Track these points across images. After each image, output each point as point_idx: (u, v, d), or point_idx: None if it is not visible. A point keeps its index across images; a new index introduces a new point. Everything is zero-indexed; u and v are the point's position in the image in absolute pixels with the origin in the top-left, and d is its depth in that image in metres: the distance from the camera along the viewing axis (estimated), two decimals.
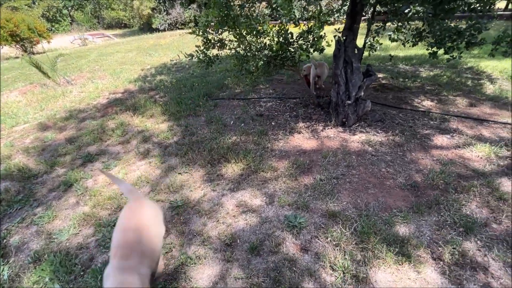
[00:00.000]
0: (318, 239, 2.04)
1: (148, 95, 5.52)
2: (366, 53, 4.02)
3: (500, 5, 15.27)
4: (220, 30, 2.67)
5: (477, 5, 2.64)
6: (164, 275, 1.88)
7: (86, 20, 22.00)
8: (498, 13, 12.35)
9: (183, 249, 2.05)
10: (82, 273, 1.94)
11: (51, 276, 1.92)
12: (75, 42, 16.67)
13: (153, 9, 19.99)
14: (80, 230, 2.35)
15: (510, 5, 14.40)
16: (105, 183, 2.95)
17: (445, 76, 5.31)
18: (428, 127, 3.47)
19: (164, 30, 18.63)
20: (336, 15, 3.36)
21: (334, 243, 1.98)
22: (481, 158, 2.82)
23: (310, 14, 2.80)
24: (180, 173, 2.97)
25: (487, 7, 2.64)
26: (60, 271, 1.94)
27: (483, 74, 5.37)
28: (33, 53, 12.95)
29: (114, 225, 2.31)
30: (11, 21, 11.99)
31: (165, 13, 18.74)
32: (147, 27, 20.42)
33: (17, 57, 12.32)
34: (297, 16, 2.63)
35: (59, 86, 6.64)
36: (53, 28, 24.25)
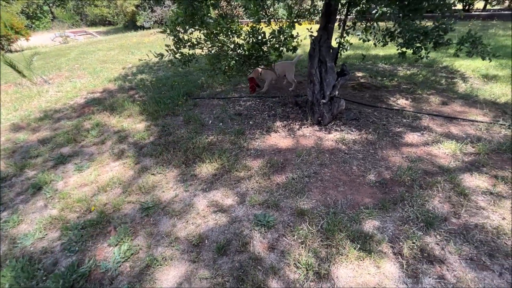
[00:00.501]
0: (285, 238, 2.07)
1: (127, 94, 5.42)
2: (345, 53, 4.07)
3: (479, 5, 15.78)
4: (189, 29, 2.64)
5: (441, 5, 2.71)
6: (129, 277, 1.86)
7: (68, 17, 21.34)
8: (476, 13, 12.77)
9: (150, 251, 2.04)
10: (44, 278, 1.90)
11: (11, 282, 1.87)
12: (56, 40, 16.15)
13: (137, 6, 19.59)
14: (46, 234, 2.29)
15: (488, 5, 14.90)
16: (76, 185, 2.89)
17: (421, 75, 5.46)
18: (401, 125, 3.56)
19: (149, 28, 18.30)
20: (310, 13, 3.38)
21: (300, 241, 2.02)
22: (447, 154, 2.92)
23: (287, 13, 2.81)
24: (153, 174, 2.94)
25: (446, 8, 2.71)
26: (22, 277, 1.89)
27: (457, 73, 5.55)
28: (11, 51, 12.49)
29: (81, 228, 2.29)
30: None
31: (149, 10, 18.40)
32: (131, 25, 20.00)
33: None
34: (268, 15, 2.64)
35: (35, 85, 6.43)
36: (33, 25, 23.40)
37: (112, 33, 19.51)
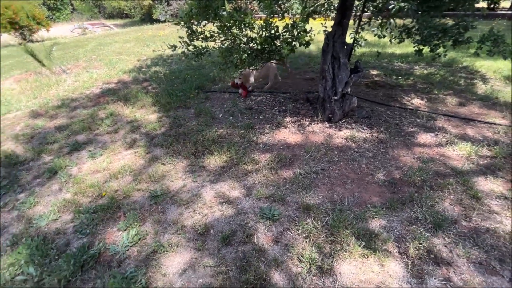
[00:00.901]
0: (290, 231, 2.08)
1: (141, 86, 5.52)
2: (359, 49, 4.00)
3: (505, 4, 15.06)
4: (202, 21, 2.66)
5: (462, 2, 2.61)
6: (136, 261, 1.93)
7: (87, 9, 21.82)
8: (502, 12, 12.19)
9: (157, 237, 2.09)
10: (56, 257, 1.99)
11: (26, 259, 1.97)
12: (75, 31, 16.57)
13: None
14: (59, 216, 2.39)
15: None
16: (89, 171, 2.99)
17: (438, 75, 5.28)
18: (414, 125, 3.48)
19: (164, 21, 18.46)
20: (326, 9, 3.33)
21: (305, 235, 2.02)
22: (461, 157, 2.84)
23: (305, 9, 2.77)
24: (163, 164, 3.00)
25: (469, 5, 2.61)
26: (36, 255, 1.99)
27: (477, 73, 5.34)
28: (32, 41, 12.91)
29: (93, 212, 2.37)
30: (9, 8, 11.92)
31: (166, 3, 18.54)
32: (147, 18, 20.22)
33: (16, 45, 12.28)
34: (283, 10, 2.62)
35: (54, 75, 6.64)
36: (53, 17, 24.05)
37: (129, 25, 19.83)
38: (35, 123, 4.22)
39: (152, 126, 3.80)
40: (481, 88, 4.63)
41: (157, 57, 7.99)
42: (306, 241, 1.97)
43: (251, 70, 4.33)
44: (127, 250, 2.01)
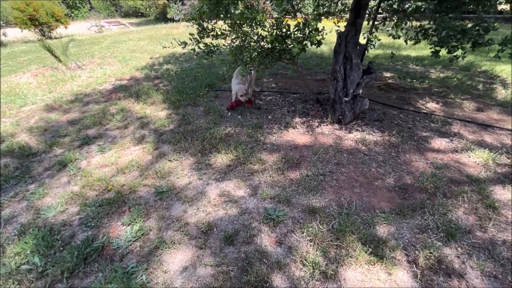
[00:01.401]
0: (294, 234, 2.03)
1: (152, 83, 5.58)
2: (371, 51, 3.90)
3: None
4: (213, 18, 2.65)
5: (483, 3, 2.49)
6: (138, 257, 1.92)
7: (104, 8, 22.35)
8: None
9: (160, 233, 2.09)
10: (61, 249, 2.01)
11: (32, 249, 2.00)
12: (92, 29, 17.00)
13: None
14: (66, 208, 2.42)
15: None
16: (97, 165, 3.03)
17: (455, 79, 5.10)
18: (428, 130, 3.36)
19: (178, 20, 18.69)
20: (341, 10, 3.25)
21: (309, 238, 1.96)
22: (478, 164, 2.71)
23: (321, 10, 2.71)
24: (170, 160, 3.00)
25: (491, 6, 2.48)
26: (42, 245, 2.01)
27: (497, 78, 5.13)
28: (51, 38, 13.32)
29: (99, 205, 2.39)
30: (30, 5, 12.33)
31: (180, 3, 18.79)
32: (162, 17, 20.54)
33: (35, 41, 12.69)
34: (295, 9, 2.57)
35: (70, 70, 6.81)
36: (72, 15, 24.78)
37: (144, 24, 20.19)
38: (49, 116, 4.32)
39: (161, 122, 3.82)
40: (500, 93, 4.44)
41: (169, 55, 8.08)
42: (311, 245, 1.92)
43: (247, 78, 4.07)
44: (130, 245, 2.01)
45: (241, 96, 3.93)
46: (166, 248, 1.96)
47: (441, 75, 5.43)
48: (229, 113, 4.01)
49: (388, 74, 5.56)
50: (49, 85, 5.80)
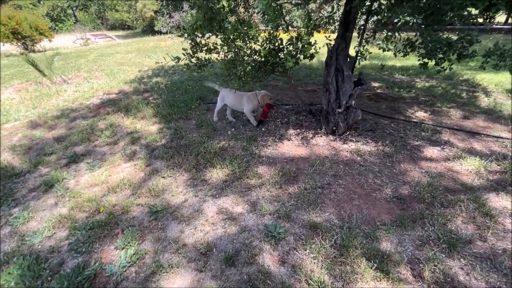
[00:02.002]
0: (296, 251, 1.97)
1: (142, 96, 5.49)
2: (361, 62, 4.00)
3: (500, 18, 15.37)
4: (206, 34, 2.64)
5: (470, 17, 2.61)
6: (134, 283, 1.81)
7: (90, 20, 22.15)
8: (498, 27, 12.42)
9: (156, 257, 1.98)
10: (49, 279, 1.87)
11: (17, 280, 1.85)
12: (77, 42, 16.76)
13: (156, 11, 20.15)
14: (54, 233, 2.28)
15: (510, 19, 14.49)
16: (87, 184, 2.89)
17: (440, 88, 5.29)
18: (419, 138, 3.42)
19: (166, 32, 18.74)
20: (326, 22, 3.32)
21: (312, 255, 1.92)
22: (470, 172, 2.76)
23: (304, 22, 2.76)
24: (163, 177, 2.91)
25: (472, 20, 2.60)
26: (27, 276, 1.87)
27: (479, 86, 5.35)
28: (34, 51, 13.00)
29: (89, 229, 2.26)
30: (13, 19, 12.06)
31: (167, 16, 18.88)
32: (149, 29, 20.55)
33: (17, 55, 12.35)
34: (287, 23, 2.60)
35: (55, 84, 6.62)
36: (56, 27, 24.43)
37: (131, 37, 20.11)
38: (33, 133, 4.14)
39: (152, 137, 3.73)
40: (483, 101, 4.62)
41: (158, 68, 8.02)
42: (315, 262, 1.87)
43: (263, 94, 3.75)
44: (125, 271, 1.90)
45: (270, 99, 3.72)
46: (163, 272, 1.86)
47: (427, 84, 5.62)
48: (222, 126, 3.96)
49: (376, 84, 5.70)
50: (33, 100, 5.60)
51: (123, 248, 2.05)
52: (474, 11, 2.71)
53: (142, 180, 2.89)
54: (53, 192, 2.79)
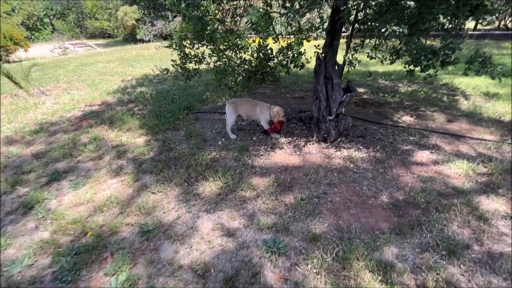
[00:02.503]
0: (298, 267, 1.91)
1: (126, 107, 5.31)
2: (346, 69, 4.06)
3: (470, 25, 16.30)
4: (196, 44, 2.58)
5: (449, 25, 2.71)
6: None
7: (68, 29, 21.49)
8: (469, 32, 13.16)
9: (150, 281, 1.86)
10: None
11: None
12: (55, 51, 16.17)
13: (137, 20, 19.86)
14: (35, 261, 2.09)
15: (478, 25, 15.41)
16: (70, 204, 2.71)
17: (422, 92, 5.47)
18: (408, 143, 3.49)
19: (149, 41, 18.48)
20: (316, 32, 3.37)
21: (315, 271, 1.86)
22: (459, 175, 2.83)
23: (292, 29, 2.77)
24: (153, 193, 2.78)
25: (458, 27, 2.71)
26: None
27: (458, 90, 5.58)
28: (8, 62, 12.39)
29: (75, 254, 2.10)
30: None
31: (150, 24, 18.65)
32: (131, 38, 20.19)
33: None
34: (277, 32, 2.59)
35: (32, 97, 6.29)
36: (33, 37, 23.50)
37: (112, 45, 19.65)
38: (10, 150, 3.88)
39: (140, 150, 3.58)
40: (464, 104, 4.80)
41: (142, 77, 7.83)
42: (318, 278, 1.81)
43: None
44: None
45: (283, 116, 3.56)
46: None
47: (409, 88, 5.81)
48: (212, 136, 3.88)
49: (361, 90, 5.82)
50: (8, 114, 5.27)
51: (113, 274, 1.91)
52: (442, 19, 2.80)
53: (131, 197, 2.74)
54: (33, 215, 2.59)
